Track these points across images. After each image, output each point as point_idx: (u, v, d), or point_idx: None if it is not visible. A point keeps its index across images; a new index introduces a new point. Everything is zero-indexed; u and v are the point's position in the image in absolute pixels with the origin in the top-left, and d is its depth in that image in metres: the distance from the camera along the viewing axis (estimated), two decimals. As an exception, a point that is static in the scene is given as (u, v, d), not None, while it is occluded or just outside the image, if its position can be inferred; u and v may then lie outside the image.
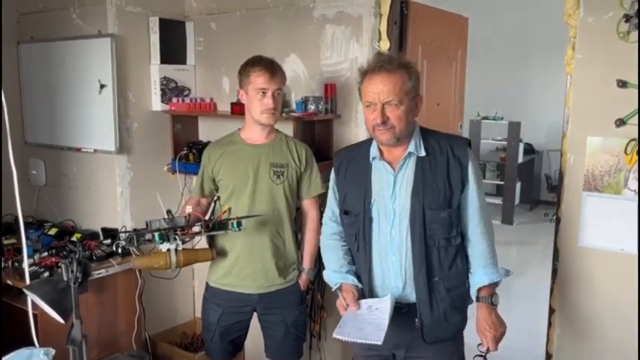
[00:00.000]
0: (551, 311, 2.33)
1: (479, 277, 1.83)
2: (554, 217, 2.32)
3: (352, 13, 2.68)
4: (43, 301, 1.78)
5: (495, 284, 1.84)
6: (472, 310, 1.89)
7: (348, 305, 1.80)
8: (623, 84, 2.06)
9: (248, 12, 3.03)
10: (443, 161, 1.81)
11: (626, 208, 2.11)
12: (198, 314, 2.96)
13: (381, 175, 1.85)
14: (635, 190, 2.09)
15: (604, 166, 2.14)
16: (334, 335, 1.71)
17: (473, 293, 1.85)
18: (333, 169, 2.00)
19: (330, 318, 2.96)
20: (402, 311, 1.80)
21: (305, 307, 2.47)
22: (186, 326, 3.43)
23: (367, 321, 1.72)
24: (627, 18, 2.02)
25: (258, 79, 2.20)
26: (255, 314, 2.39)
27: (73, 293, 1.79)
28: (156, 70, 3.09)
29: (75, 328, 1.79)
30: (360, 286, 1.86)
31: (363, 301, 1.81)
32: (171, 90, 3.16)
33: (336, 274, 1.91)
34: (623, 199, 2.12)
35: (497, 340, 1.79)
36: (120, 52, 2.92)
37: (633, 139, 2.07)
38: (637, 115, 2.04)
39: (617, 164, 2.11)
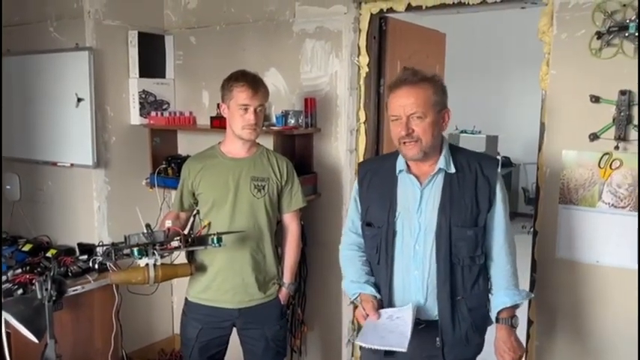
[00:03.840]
0: (530, 323, 2.35)
1: (501, 299, 1.82)
2: (532, 229, 2.35)
3: (332, 29, 2.71)
4: (16, 319, 1.74)
5: (516, 306, 1.84)
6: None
7: (367, 315, 1.79)
8: (596, 99, 2.11)
9: (228, 26, 3.04)
10: (471, 179, 1.80)
11: (601, 220, 2.15)
12: (177, 330, 2.92)
13: (407, 189, 1.83)
14: (609, 203, 2.13)
15: (579, 179, 2.18)
16: (356, 341, 1.71)
17: (493, 314, 1.84)
18: (356, 179, 1.99)
19: (311, 332, 2.95)
20: (419, 327, 1.77)
21: (285, 322, 2.45)
22: (165, 343, 3.38)
23: (388, 329, 1.72)
24: (599, 35, 2.07)
25: (241, 95, 2.20)
26: (234, 329, 2.37)
27: (47, 312, 1.75)
28: (134, 84, 3.07)
29: (49, 348, 1.75)
30: (378, 296, 1.84)
31: (383, 311, 1.80)
32: (150, 104, 3.14)
33: (355, 284, 1.90)
34: (597, 211, 2.16)
35: None
36: (98, 65, 2.90)
37: (606, 153, 2.11)
38: (611, 129, 2.08)
39: (591, 177, 2.15)
